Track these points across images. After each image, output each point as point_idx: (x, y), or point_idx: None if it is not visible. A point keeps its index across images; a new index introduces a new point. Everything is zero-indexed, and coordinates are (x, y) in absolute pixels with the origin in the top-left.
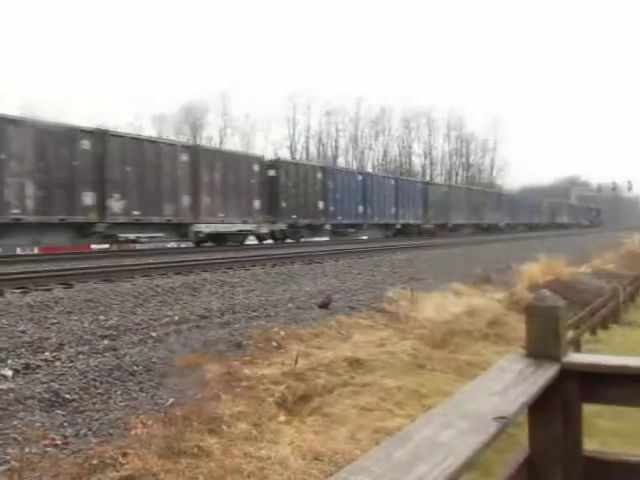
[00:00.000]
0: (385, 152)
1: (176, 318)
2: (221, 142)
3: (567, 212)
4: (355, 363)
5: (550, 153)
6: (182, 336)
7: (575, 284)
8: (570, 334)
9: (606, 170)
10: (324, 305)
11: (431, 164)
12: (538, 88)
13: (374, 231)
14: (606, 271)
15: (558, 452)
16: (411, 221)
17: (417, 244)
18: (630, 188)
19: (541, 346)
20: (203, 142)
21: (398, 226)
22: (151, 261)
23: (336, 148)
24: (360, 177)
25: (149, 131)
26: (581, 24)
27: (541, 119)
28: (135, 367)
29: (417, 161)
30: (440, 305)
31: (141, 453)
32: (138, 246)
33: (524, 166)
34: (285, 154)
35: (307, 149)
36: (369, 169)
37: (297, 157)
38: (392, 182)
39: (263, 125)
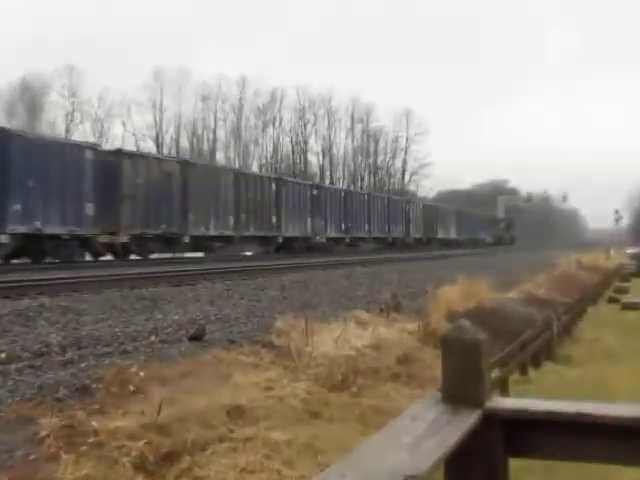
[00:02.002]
0: (275, 148)
1: (2, 356)
2: (67, 130)
3: (456, 223)
4: (235, 411)
5: (476, 156)
6: (10, 379)
7: (501, 312)
8: (495, 373)
9: (538, 178)
10: (197, 338)
11: (331, 164)
12: (461, 78)
13: None
14: (538, 297)
15: None
16: (57, 230)
17: (309, 262)
18: (565, 199)
19: (460, 388)
20: (44, 128)
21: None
22: None
23: (214, 141)
24: None
25: None
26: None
27: (466, 115)
28: None
29: (315, 161)
30: (340, 338)
31: None
32: None
33: (446, 170)
34: (150, 147)
35: (177, 141)
36: (255, 168)
37: (165, 151)
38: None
39: (121, 110)
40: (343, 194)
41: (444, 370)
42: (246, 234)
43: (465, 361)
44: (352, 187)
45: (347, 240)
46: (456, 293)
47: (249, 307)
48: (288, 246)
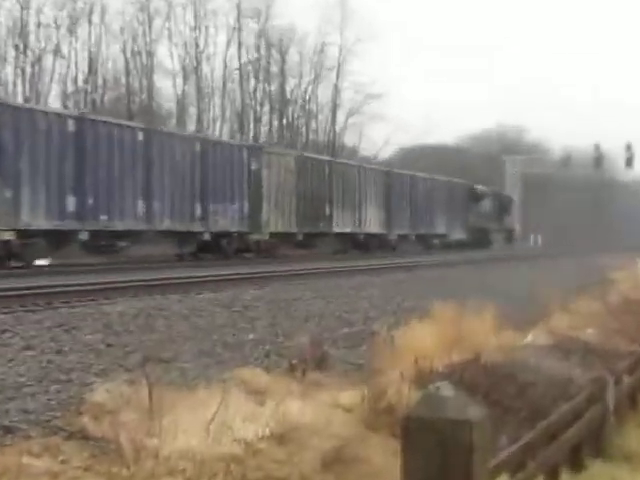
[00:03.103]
0: (93, 64)
1: None
2: None
3: (382, 200)
4: None
5: (475, 93)
6: None
7: (515, 370)
8: None
9: (581, 131)
10: None
11: (200, 95)
12: None
13: None
14: (580, 342)
15: None
16: None
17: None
18: (630, 161)
19: None
20: None
21: None
22: None
23: None
24: None
25: None
26: None
27: (452, 19)
28: None
29: (169, 87)
30: (216, 421)
31: None
32: None
33: (415, 113)
34: None
35: None
36: (54, 100)
37: None
38: None
39: None
40: (73, 127)
41: (406, 476)
42: None
43: (443, 461)
44: (239, 137)
45: (83, 236)
46: (432, 336)
47: (42, 364)
48: None
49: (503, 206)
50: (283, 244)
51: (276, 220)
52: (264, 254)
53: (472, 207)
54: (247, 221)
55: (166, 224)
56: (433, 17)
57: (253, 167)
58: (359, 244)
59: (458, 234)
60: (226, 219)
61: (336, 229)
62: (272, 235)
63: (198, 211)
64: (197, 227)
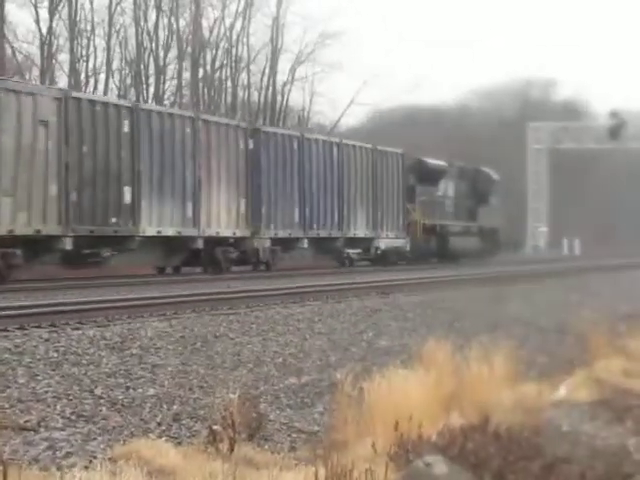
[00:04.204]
0: None
1: None
2: None
3: (240, 173)
4: None
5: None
6: None
7: (541, 439)
8: None
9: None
10: None
11: (74, 39)
12: None
13: None
14: (637, 397)
15: None
16: None
17: None
18: None
19: None
20: None
21: None
22: None
23: None
24: None
25: None
26: None
27: None
28: None
29: (31, 25)
30: None
31: None
32: None
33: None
34: None
35: None
36: None
37: None
38: None
39: None
40: None
41: None
42: None
43: None
44: (133, 94)
45: None
46: (419, 388)
47: None
48: None
49: (478, 192)
50: (32, 258)
51: (14, 213)
52: None
53: (420, 194)
54: None
55: None
56: (415, 10)
57: None
58: (197, 256)
59: (392, 239)
60: None
61: (147, 230)
62: (5, 241)
63: None
64: None
